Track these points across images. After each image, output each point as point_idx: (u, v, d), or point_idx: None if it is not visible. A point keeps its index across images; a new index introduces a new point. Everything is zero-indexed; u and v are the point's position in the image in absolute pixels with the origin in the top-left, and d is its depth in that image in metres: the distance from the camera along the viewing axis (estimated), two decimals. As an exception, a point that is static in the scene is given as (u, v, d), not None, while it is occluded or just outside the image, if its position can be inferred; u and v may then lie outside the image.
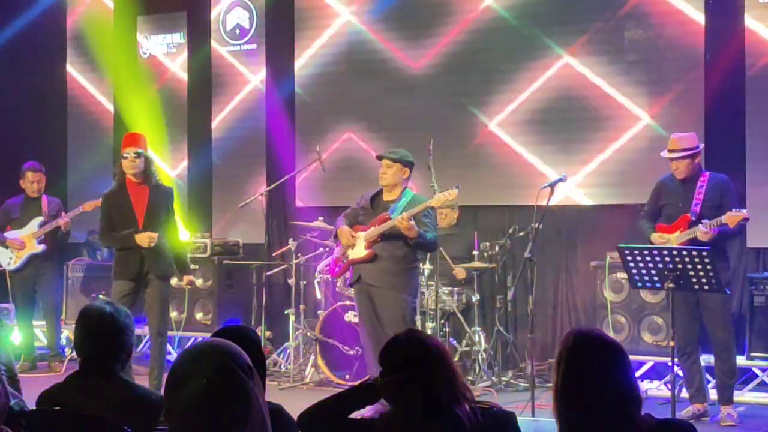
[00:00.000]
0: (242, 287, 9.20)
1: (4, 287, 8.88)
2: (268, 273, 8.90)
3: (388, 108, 9.14)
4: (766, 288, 7.22)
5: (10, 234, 8.70)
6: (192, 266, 9.10)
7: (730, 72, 7.81)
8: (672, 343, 6.00)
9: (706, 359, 6.72)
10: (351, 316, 7.58)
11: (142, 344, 9.46)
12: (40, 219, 8.70)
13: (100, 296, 8.55)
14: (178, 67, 10.33)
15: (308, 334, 8.12)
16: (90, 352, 3.51)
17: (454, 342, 7.75)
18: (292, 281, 8.42)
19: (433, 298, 7.33)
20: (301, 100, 9.63)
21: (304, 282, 8.44)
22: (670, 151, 6.59)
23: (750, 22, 7.73)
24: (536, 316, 7.19)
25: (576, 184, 8.34)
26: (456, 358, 7.40)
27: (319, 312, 8.16)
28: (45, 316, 8.96)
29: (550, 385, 2.74)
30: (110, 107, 10.68)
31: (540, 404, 6.39)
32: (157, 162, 7.33)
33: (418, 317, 7.57)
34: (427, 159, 7.12)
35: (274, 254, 9.09)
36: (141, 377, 6.81)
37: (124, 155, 7.07)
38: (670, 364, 6.19)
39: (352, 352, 7.59)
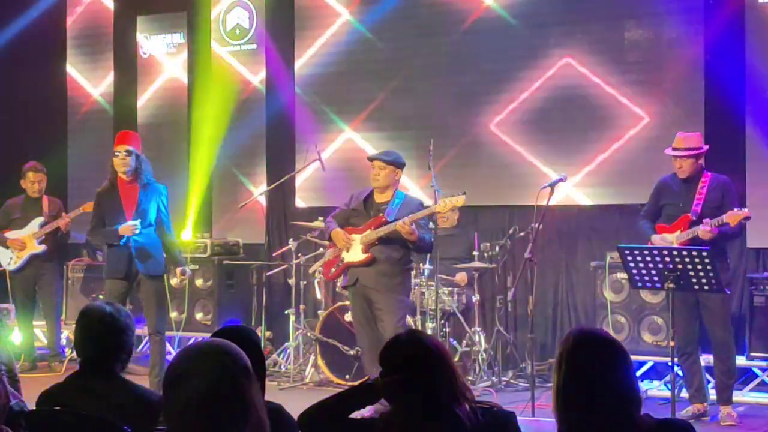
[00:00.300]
0: (242, 287, 9.19)
1: (4, 287, 8.89)
2: (268, 273, 8.90)
3: (388, 108, 9.14)
4: (766, 288, 7.22)
5: (11, 234, 8.70)
6: (192, 266, 9.10)
7: (730, 72, 7.81)
8: (672, 343, 6.00)
9: (706, 359, 6.72)
10: (351, 316, 7.57)
11: (142, 344, 9.47)
12: (40, 219, 8.70)
13: (100, 296, 8.56)
14: (178, 67, 10.33)
15: (308, 334, 8.12)
16: (90, 353, 3.51)
17: (454, 342, 7.75)
18: (292, 281, 8.42)
19: (433, 298, 7.33)
20: (301, 100, 9.63)
21: (304, 282, 8.44)
22: (674, 148, 6.59)
23: (750, 22, 7.73)
24: (536, 316, 7.19)
25: (576, 184, 8.34)
26: (456, 359, 7.40)
27: (319, 312, 8.16)
28: (45, 316, 8.95)
29: (550, 385, 2.74)
30: (110, 107, 10.68)
31: (540, 404, 6.40)
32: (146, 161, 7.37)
33: (417, 317, 7.59)
34: (427, 159, 7.11)
35: (274, 254, 9.09)
36: (141, 377, 6.81)
37: (116, 153, 7.10)
38: (670, 364, 6.20)
39: (352, 352, 7.58)
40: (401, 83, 9.11)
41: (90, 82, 10.79)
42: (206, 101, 10.12)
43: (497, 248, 8.15)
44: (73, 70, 10.88)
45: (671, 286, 5.86)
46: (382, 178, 6.76)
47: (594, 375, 2.63)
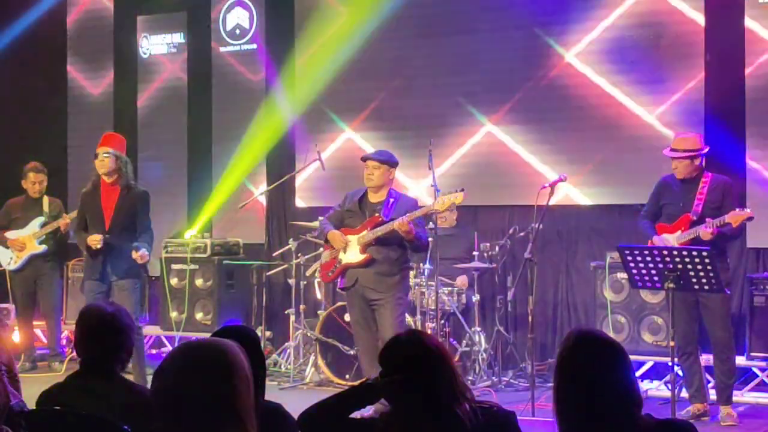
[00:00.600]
0: (242, 287, 9.19)
1: (4, 287, 8.89)
2: (268, 273, 8.90)
3: (388, 108, 9.13)
4: (766, 288, 7.22)
5: (11, 234, 8.70)
6: (192, 266, 9.13)
7: (730, 72, 7.82)
8: (672, 343, 6.00)
9: (706, 359, 6.72)
10: (349, 318, 7.57)
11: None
12: (41, 219, 8.70)
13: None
14: (178, 67, 10.32)
15: (308, 334, 8.12)
16: (90, 353, 3.51)
17: (454, 342, 7.75)
18: (292, 281, 8.42)
19: (433, 298, 7.33)
20: (301, 100, 9.62)
21: (304, 282, 8.43)
22: (672, 149, 6.60)
23: (750, 22, 7.73)
24: (536, 316, 7.19)
25: (576, 184, 8.33)
26: (456, 359, 7.40)
27: (319, 312, 8.15)
28: (45, 316, 8.96)
29: (550, 385, 2.74)
30: (110, 107, 10.68)
31: (540, 404, 6.40)
32: (130, 164, 7.51)
33: (418, 317, 7.58)
34: (427, 159, 7.11)
35: (274, 254, 9.09)
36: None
37: (96, 154, 7.28)
38: (670, 364, 6.19)
39: (352, 352, 7.58)
40: (401, 83, 9.11)
41: (90, 82, 10.79)
42: (206, 101, 10.13)
43: (497, 248, 8.15)
44: (73, 70, 10.88)
45: (671, 286, 5.86)
46: (377, 178, 6.76)
47: (594, 375, 2.63)
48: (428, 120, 8.90)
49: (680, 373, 6.59)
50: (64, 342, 9.20)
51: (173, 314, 9.11)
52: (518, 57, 8.64)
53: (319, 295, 8.45)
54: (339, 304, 7.85)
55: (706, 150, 6.62)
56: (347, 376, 7.63)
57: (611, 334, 6.93)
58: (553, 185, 6.74)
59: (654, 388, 7.37)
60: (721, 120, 7.81)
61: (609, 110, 8.29)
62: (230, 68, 10.03)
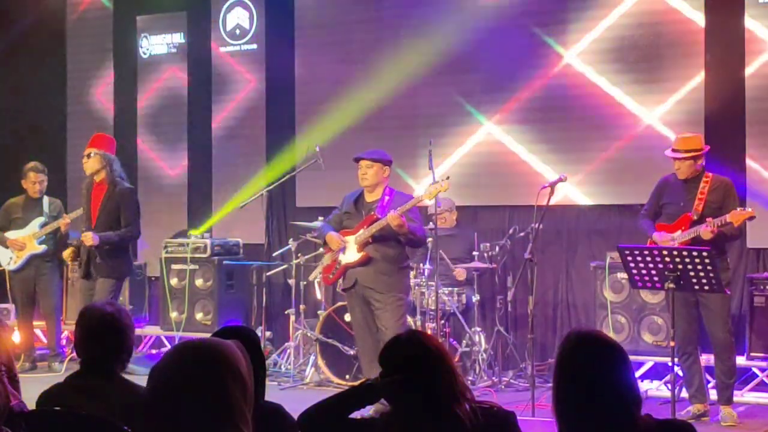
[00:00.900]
0: (242, 287, 9.20)
1: (4, 287, 8.89)
2: (268, 273, 8.90)
3: (388, 108, 9.13)
4: (766, 288, 7.22)
5: (11, 234, 8.70)
6: (192, 266, 9.13)
7: (730, 72, 7.82)
8: (672, 343, 6.00)
9: (706, 359, 6.72)
10: (350, 319, 7.57)
11: (142, 344, 9.48)
12: (41, 219, 8.70)
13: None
14: (178, 67, 10.32)
15: (308, 334, 8.12)
16: (90, 353, 3.51)
17: (454, 342, 7.75)
18: (292, 281, 8.42)
19: (433, 298, 7.33)
20: (301, 100, 9.63)
21: (304, 282, 8.44)
22: (673, 150, 6.59)
23: (750, 22, 7.73)
24: (536, 317, 7.19)
25: (576, 184, 8.33)
26: (456, 359, 7.40)
27: (319, 312, 8.15)
28: (45, 316, 8.95)
29: (550, 385, 2.74)
30: (110, 107, 10.68)
31: (540, 404, 6.40)
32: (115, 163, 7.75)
33: (417, 317, 7.58)
34: (427, 159, 7.11)
35: (274, 254, 9.09)
36: (141, 377, 6.82)
37: (83, 155, 7.67)
38: (670, 364, 6.20)
39: (352, 352, 7.58)
40: (401, 83, 9.10)
41: (90, 81, 10.79)
42: (206, 101, 10.13)
43: (497, 248, 8.15)
44: (73, 70, 10.88)
45: (671, 286, 5.86)
46: (371, 177, 6.78)
47: (594, 375, 2.63)
48: (428, 120, 8.90)
49: (680, 373, 6.58)
50: (64, 342, 9.20)
51: (173, 314, 9.12)
52: (518, 57, 8.63)
53: (319, 295, 8.44)
54: (339, 304, 7.85)
55: (707, 149, 6.62)
56: (347, 376, 7.63)
57: (611, 334, 6.95)
58: (553, 185, 6.74)
59: (654, 388, 7.36)
60: (721, 120, 7.81)
61: (609, 110, 8.29)
62: (230, 68, 10.03)
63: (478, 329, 7.88)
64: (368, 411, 3.39)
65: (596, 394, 2.61)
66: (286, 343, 8.51)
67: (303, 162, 8.82)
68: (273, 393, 5.70)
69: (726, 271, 6.44)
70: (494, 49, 8.72)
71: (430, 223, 7.26)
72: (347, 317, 7.57)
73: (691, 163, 6.52)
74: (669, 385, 6.60)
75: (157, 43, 10.42)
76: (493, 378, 7.75)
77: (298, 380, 8.02)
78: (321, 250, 8.18)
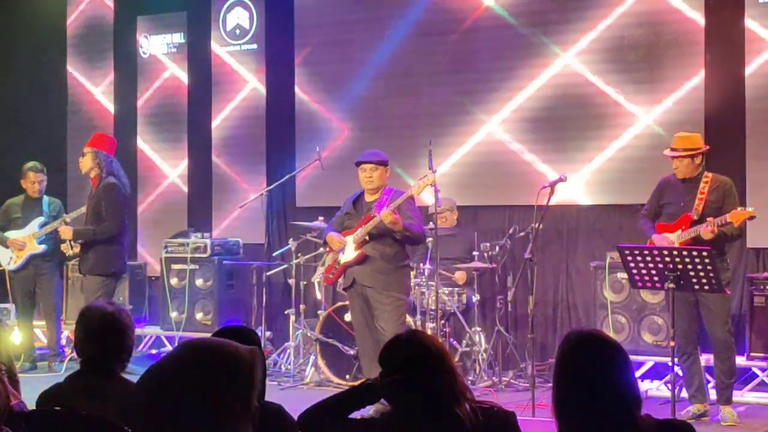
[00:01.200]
0: (242, 287, 9.19)
1: (4, 287, 8.89)
2: (268, 273, 8.90)
3: (388, 108, 9.14)
4: (766, 288, 7.22)
5: (11, 234, 8.70)
6: (192, 266, 9.13)
7: (730, 72, 7.82)
8: (672, 343, 6.00)
9: (706, 359, 6.72)
10: (350, 318, 7.57)
11: (142, 344, 9.47)
12: (41, 219, 8.70)
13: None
14: (178, 67, 10.33)
15: (308, 334, 8.12)
16: (91, 353, 3.50)
17: (455, 342, 7.75)
18: (292, 281, 8.42)
19: (433, 298, 7.33)
20: (301, 100, 9.63)
21: (304, 282, 8.44)
22: (672, 149, 6.59)
23: (750, 22, 7.73)
24: (536, 316, 7.20)
25: (576, 184, 8.33)
26: (456, 359, 7.40)
27: (319, 312, 8.15)
28: (45, 316, 8.95)
29: (550, 385, 2.74)
30: (110, 107, 10.68)
31: (540, 404, 6.39)
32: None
33: (418, 317, 7.58)
34: (427, 159, 7.12)
35: (274, 254, 9.09)
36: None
37: None
38: (670, 364, 6.19)
39: (352, 352, 7.58)
40: (401, 83, 9.11)
41: (90, 81, 10.80)
42: (206, 101, 10.13)
43: (497, 248, 8.15)
44: (73, 70, 10.89)
45: (671, 286, 5.86)
46: (377, 179, 6.83)
47: (594, 375, 2.63)
48: (428, 120, 8.90)
49: (680, 373, 6.58)
50: (64, 342, 9.20)
51: (173, 314, 9.12)
52: (518, 57, 8.64)
53: (319, 295, 8.44)
54: (339, 304, 7.86)
55: (706, 149, 6.61)
56: (347, 376, 7.63)
57: (611, 334, 6.93)
58: (553, 185, 6.73)
59: (654, 388, 7.36)
60: (721, 120, 7.81)
61: (609, 110, 8.29)
62: (230, 68, 10.03)
63: (478, 329, 7.88)
64: (368, 411, 3.39)
65: (596, 394, 2.61)
66: (286, 343, 8.51)
67: (303, 162, 8.83)
68: (273, 393, 5.70)
69: (726, 271, 6.43)
70: (494, 49, 8.73)
71: (430, 222, 7.26)
72: (347, 317, 7.57)
73: (689, 162, 6.51)
74: (669, 385, 6.60)
75: (157, 43, 10.42)
76: (493, 378, 7.75)
77: (298, 380, 8.02)
78: (321, 250, 8.21)
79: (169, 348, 9.29)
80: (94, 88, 10.77)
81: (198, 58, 10.20)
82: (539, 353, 7.94)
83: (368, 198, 6.93)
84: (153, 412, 2.03)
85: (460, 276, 8.02)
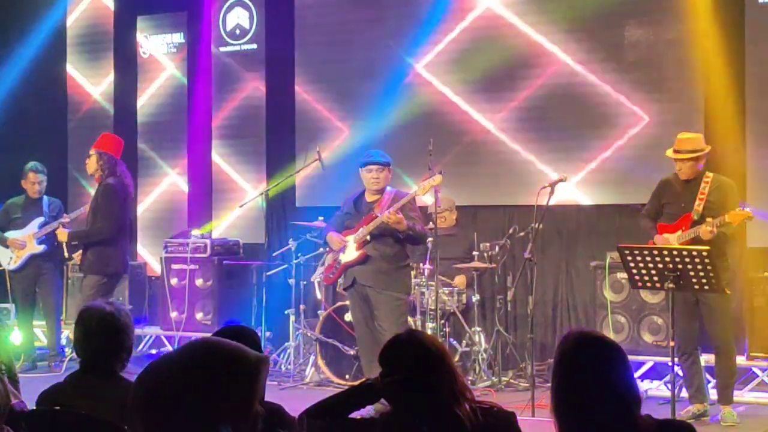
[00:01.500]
0: (242, 287, 9.19)
1: (4, 287, 8.89)
2: (268, 273, 8.89)
3: (388, 107, 9.13)
4: (766, 288, 7.22)
5: (11, 234, 8.70)
6: (192, 266, 9.13)
7: (730, 72, 7.81)
8: (672, 343, 6.00)
9: (706, 359, 6.72)
10: (351, 317, 7.57)
11: (142, 344, 9.47)
12: (41, 219, 8.70)
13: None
14: (178, 67, 10.32)
15: (308, 334, 8.12)
16: (90, 353, 3.50)
17: (454, 342, 7.75)
18: (292, 281, 8.42)
19: (433, 298, 7.33)
20: (301, 100, 9.63)
21: (304, 282, 8.44)
22: (675, 151, 6.58)
23: (749, 22, 7.73)
24: (536, 316, 7.20)
25: (576, 184, 8.33)
26: (456, 359, 7.40)
27: (319, 312, 8.16)
28: (45, 316, 8.95)
29: (550, 385, 2.73)
30: (110, 107, 10.68)
31: (540, 404, 6.39)
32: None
33: (417, 317, 7.58)
34: (427, 159, 7.12)
35: (274, 254, 9.09)
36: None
37: None
38: (670, 364, 6.19)
39: (352, 352, 7.58)
40: (402, 82, 9.10)
41: (90, 81, 10.80)
42: (206, 101, 10.13)
43: (497, 248, 8.15)
44: (73, 70, 10.89)
45: (671, 286, 5.85)
46: (383, 180, 6.85)
47: (593, 376, 2.63)
48: (428, 120, 8.89)
49: (680, 373, 6.58)
50: (64, 342, 9.20)
51: (173, 314, 9.11)
52: (517, 57, 8.64)
53: (319, 295, 8.44)
54: (339, 304, 7.86)
55: (708, 149, 6.61)
56: (347, 376, 7.63)
57: (611, 334, 6.97)
58: (553, 185, 6.73)
59: (654, 388, 7.36)
60: (721, 120, 7.81)
61: (609, 110, 8.29)
62: (230, 68, 10.03)
63: (478, 329, 7.88)
64: (369, 411, 3.39)
65: (596, 394, 2.61)
66: (286, 343, 8.51)
67: (303, 162, 8.83)
68: (273, 393, 5.70)
69: (726, 271, 6.43)
70: (494, 48, 8.73)
71: (430, 222, 7.26)
72: (347, 317, 7.57)
73: (694, 164, 6.50)
74: (669, 385, 6.60)
75: (157, 43, 10.42)
76: (493, 378, 7.75)
77: (298, 380, 8.02)
78: (321, 249, 8.21)
79: (168, 348, 9.28)
80: (94, 88, 10.77)
81: (198, 58, 10.19)
82: (539, 353, 7.94)
83: (369, 198, 6.94)
84: (150, 411, 2.02)
85: (460, 281, 8.02)
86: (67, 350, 8.88)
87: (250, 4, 9.93)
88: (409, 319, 7.33)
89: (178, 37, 10.33)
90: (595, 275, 7.82)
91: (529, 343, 6.97)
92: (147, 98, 10.48)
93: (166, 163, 10.37)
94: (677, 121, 7.86)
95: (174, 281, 9.27)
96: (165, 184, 10.37)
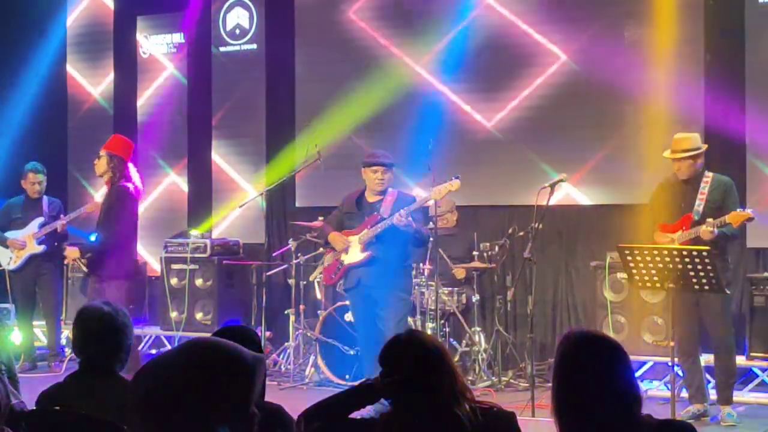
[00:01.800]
0: (242, 287, 9.19)
1: (4, 287, 8.88)
2: (268, 273, 8.89)
3: (388, 107, 9.12)
4: (766, 288, 7.22)
5: (11, 234, 8.70)
6: (192, 266, 9.13)
7: (730, 72, 7.81)
8: (672, 343, 6.00)
9: (706, 359, 6.72)
10: (351, 316, 7.57)
11: (142, 344, 9.47)
12: (40, 220, 8.70)
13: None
14: (178, 67, 10.32)
15: (308, 334, 8.12)
16: (89, 353, 3.50)
17: (454, 342, 7.75)
18: (292, 281, 8.42)
19: (433, 298, 7.33)
20: (301, 100, 9.63)
21: (304, 282, 8.44)
22: (672, 151, 6.58)
23: (749, 22, 7.73)
24: (536, 316, 7.19)
25: (576, 184, 8.33)
26: (456, 359, 7.40)
27: (319, 312, 8.16)
28: (45, 316, 8.95)
29: (550, 385, 2.73)
30: (110, 107, 10.68)
31: (540, 404, 6.39)
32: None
33: (417, 317, 7.58)
34: (427, 159, 7.12)
35: (274, 254, 9.09)
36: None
37: None
38: (670, 364, 6.19)
39: (352, 352, 7.58)
40: (402, 82, 9.10)
41: (90, 81, 10.80)
42: (206, 101, 10.13)
43: (497, 248, 8.15)
44: (73, 70, 10.89)
45: (671, 286, 5.86)
46: (387, 181, 6.87)
47: (594, 376, 2.63)
48: (427, 120, 8.89)
49: (680, 373, 6.58)
50: (64, 342, 9.20)
51: (173, 314, 9.11)
52: (518, 56, 8.64)
53: (319, 295, 8.44)
54: (339, 304, 7.85)
55: (705, 148, 6.61)
56: (347, 376, 7.62)
57: (611, 334, 6.93)
58: (553, 185, 6.73)
59: (654, 388, 7.36)
60: (721, 120, 7.80)
61: (609, 109, 8.29)
62: (230, 68, 10.03)
63: (478, 329, 7.89)
64: (368, 411, 3.39)
65: (596, 394, 2.61)
66: (286, 343, 8.51)
67: (303, 162, 8.82)
68: (273, 393, 5.70)
69: (726, 271, 6.43)
70: (494, 48, 8.73)
71: (431, 222, 7.26)
72: (347, 317, 7.57)
73: (691, 163, 6.51)
74: (669, 385, 6.60)
75: (157, 43, 10.42)
76: (493, 378, 7.75)
77: (298, 380, 8.02)
78: (321, 250, 8.20)
79: (168, 348, 9.28)
80: (94, 88, 10.77)
81: (198, 58, 10.19)
82: (539, 353, 7.94)
83: (371, 198, 6.92)
84: (150, 411, 2.02)
85: (459, 272, 8.02)
86: (67, 350, 8.88)
87: (250, 4, 9.92)
88: (409, 319, 7.33)
89: (178, 37, 10.33)
90: (595, 275, 7.82)
91: (529, 343, 6.97)
92: (147, 98, 10.47)
93: (165, 162, 10.37)
94: (677, 120, 7.84)
95: (174, 281, 9.27)
96: (165, 184, 10.37)
